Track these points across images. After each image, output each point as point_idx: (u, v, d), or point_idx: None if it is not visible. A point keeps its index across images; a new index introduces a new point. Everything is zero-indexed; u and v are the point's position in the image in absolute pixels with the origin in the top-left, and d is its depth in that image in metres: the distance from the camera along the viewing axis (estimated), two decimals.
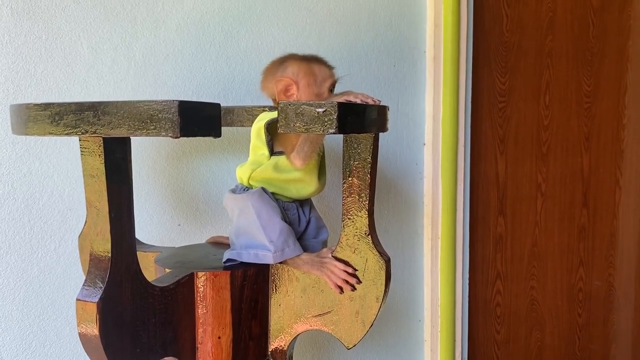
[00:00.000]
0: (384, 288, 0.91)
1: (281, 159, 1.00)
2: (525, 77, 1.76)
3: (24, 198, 1.16)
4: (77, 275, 1.21)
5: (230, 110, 1.20)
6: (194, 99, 1.27)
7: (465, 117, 1.59)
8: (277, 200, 1.01)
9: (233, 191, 1.04)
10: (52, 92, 1.16)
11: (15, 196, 1.15)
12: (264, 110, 1.12)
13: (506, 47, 1.72)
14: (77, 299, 0.75)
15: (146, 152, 1.26)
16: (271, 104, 1.11)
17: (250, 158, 1.03)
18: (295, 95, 1.02)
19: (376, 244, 0.93)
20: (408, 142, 1.57)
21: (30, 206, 1.16)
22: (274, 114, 1.00)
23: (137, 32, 1.22)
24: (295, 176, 1.01)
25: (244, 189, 1.03)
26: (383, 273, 0.91)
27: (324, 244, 1.08)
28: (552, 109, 1.81)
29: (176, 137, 0.69)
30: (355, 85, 1.45)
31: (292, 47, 1.37)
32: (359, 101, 0.94)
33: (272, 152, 1.00)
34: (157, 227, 1.27)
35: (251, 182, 1.02)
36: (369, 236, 0.92)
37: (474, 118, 1.66)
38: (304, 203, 1.07)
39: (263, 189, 1.00)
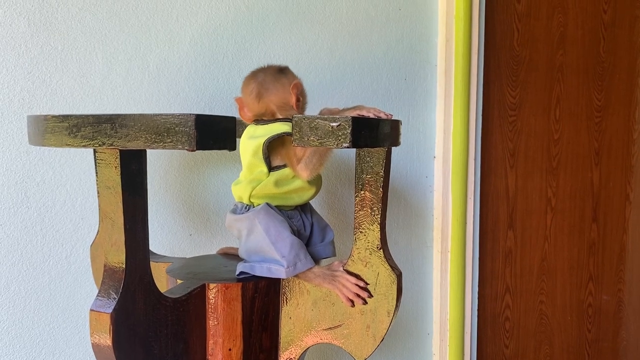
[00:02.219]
0: (395, 302, 0.91)
1: (280, 174, 0.99)
2: (536, 91, 1.76)
3: (37, 206, 1.17)
4: (87, 284, 1.21)
5: (242, 121, 1.20)
6: (207, 110, 1.28)
7: (475, 131, 1.59)
8: (280, 211, 1.01)
9: (234, 211, 1.03)
10: (67, 102, 1.17)
11: (28, 204, 1.16)
12: (249, 125, 1.07)
13: (517, 61, 1.72)
14: (91, 310, 0.76)
15: (158, 163, 1.26)
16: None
17: (246, 176, 1.02)
18: (300, 99, 1.04)
19: (388, 258, 0.93)
20: (418, 155, 1.58)
21: (43, 214, 1.17)
22: (266, 128, 0.99)
23: (152, 44, 1.23)
24: (296, 186, 1.01)
25: (246, 207, 1.02)
26: (395, 287, 0.91)
27: (332, 244, 1.08)
28: (563, 123, 1.81)
29: (192, 151, 0.70)
30: (366, 98, 1.46)
31: (304, 59, 1.38)
32: (371, 115, 0.94)
33: (270, 168, 0.99)
34: (168, 237, 1.28)
35: (252, 200, 1.01)
36: (381, 250, 0.92)
37: (484, 131, 1.66)
38: (304, 207, 1.07)
39: (267, 204, 1.00)
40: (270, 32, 1.35)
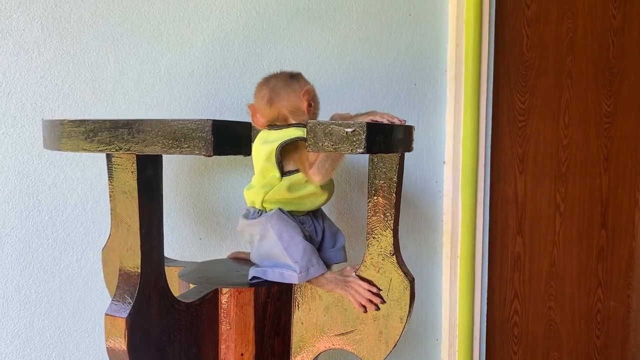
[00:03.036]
0: (408, 308, 0.91)
1: (293, 179, 0.99)
2: (545, 96, 1.76)
3: (48, 210, 1.17)
4: (97, 287, 1.22)
5: (253, 127, 1.20)
6: (218, 115, 1.29)
7: (485, 136, 1.59)
8: (293, 217, 1.01)
9: (246, 216, 1.03)
10: (78, 106, 1.18)
11: (39, 208, 1.16)
12: (262, 130, 1.08)
13: (526, 66, 1.72)
14: (106, 314, 0.76)
15: (169, 167, 1.27)
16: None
17: (259, 181, 1.02)
18: (312, 104, 1.05)
19: (401, 263, 0.93)
20: (428, 160, 1.58)
21: (54, 218, 1.18)
22: (279, 133, 1.00)
23: (163, 49, 1.24)
24: (309, 191, 1.01)
25: (258, 212, 1.02)
26: (408, 293, 0.91)
27: (343, 250, 1.08)
28: (572, 128, 1.80)
29: (209, 156, 0.70)
30: (376, 103, 1.47)
31: (315, 64, 1.38)
32: (385, 121, 0.94)
33: (283, 173, 1.00)
34: (178, 240, 1.28)
35: (265, 205, 1.01)
36: (394, 256, 0.92)
37: (494, 137, 1.66)
38: (315, 213, 1.07)
39: (280, 209, 1.00)
40: (281, 37, 1.35)
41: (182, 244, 1.29)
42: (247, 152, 0.76)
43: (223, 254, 1.31)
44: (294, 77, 1.06)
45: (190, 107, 1.27)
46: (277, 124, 1.04)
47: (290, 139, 0.97)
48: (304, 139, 0.98)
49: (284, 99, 1.03)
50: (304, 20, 1.37)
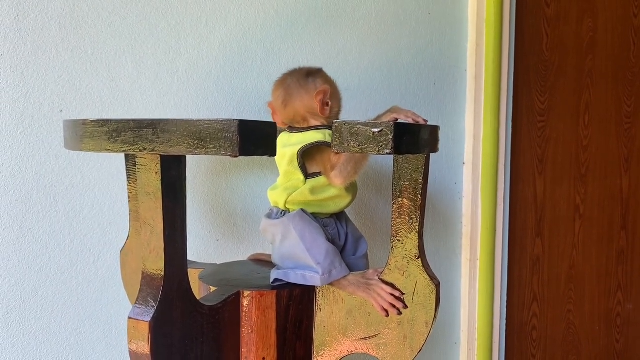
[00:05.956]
0: (434, 313, 0.89)
1: (317, 181, 0.98)
2: (565, 96, 1.73)
3: (65, 211, 1.16)
4: (115, 289, 1.20)
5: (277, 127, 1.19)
6: (236, 115, 1.27)
7: (506, 137, 1.56)
8: (316, 218, 1.00)
9: (269, 216, 1.02)
10: (95, 106, 1.17)
11: (57, 209, 1.15)
12: (283, 131, 1.07)
13: (546, 66, 1.69)
14: (130, 318, 0.75)
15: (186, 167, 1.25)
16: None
17: (283, 183, 1.01)
18: (329, 104, 1.01)
19: (426, 267, 0.91)
20: (447, 161, 1.55)
21: (71, 219, 1.17)
22: (299, 137, 0.98)
23: (181, 48, 1.23)
24: (332, 194, 1.00)
25: (281, 213, 1.01)
26: (433, 297, 0.89)
27: (365, 257, 1.06)
28: (592, 129, 1.78)
29: (235, 157, 0.68)
30: (395, 103, 1.43)
31: (333, 63, 1.37)
32: (410, 120, 0.92)
33: (307, 175, 0.98)
34: (195, 242, 1.27)
35: (288, 206, 1.00)
36: (419, 259, 0.90)
37: (513, 138, 1.63)
38: (339, 216, 1.06)
39: (303, 210, 0.99)
40: (299, 36, 1.33)
41: (199, 245, 1.27)
42: (272, 153, 0.74)
43: (240, 255, 1.30)
44: (310, 75, 1.03)
45: (208, 106, 1.25)
46: (297, 125, 1.02)
47: (310, 144, 0.96)
48: (324, 143, 0.96)
49: (297, 100, 1.01)
50: (322, 19, 1.36)
